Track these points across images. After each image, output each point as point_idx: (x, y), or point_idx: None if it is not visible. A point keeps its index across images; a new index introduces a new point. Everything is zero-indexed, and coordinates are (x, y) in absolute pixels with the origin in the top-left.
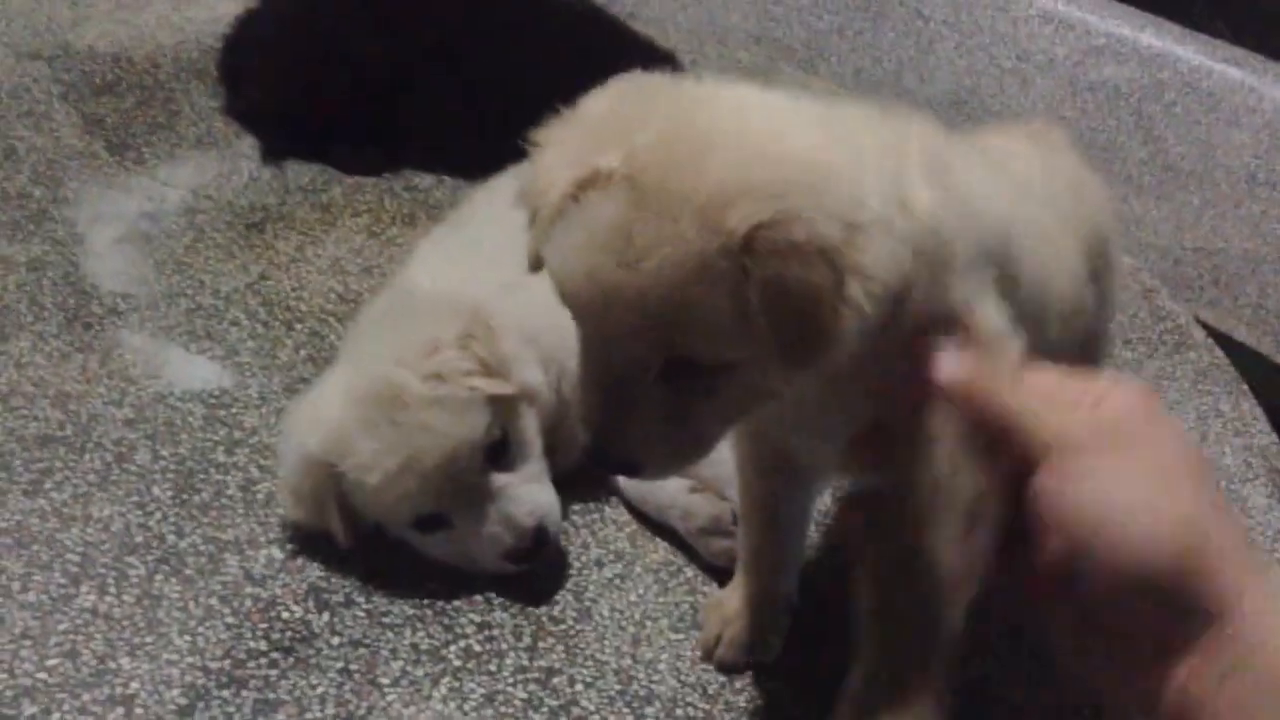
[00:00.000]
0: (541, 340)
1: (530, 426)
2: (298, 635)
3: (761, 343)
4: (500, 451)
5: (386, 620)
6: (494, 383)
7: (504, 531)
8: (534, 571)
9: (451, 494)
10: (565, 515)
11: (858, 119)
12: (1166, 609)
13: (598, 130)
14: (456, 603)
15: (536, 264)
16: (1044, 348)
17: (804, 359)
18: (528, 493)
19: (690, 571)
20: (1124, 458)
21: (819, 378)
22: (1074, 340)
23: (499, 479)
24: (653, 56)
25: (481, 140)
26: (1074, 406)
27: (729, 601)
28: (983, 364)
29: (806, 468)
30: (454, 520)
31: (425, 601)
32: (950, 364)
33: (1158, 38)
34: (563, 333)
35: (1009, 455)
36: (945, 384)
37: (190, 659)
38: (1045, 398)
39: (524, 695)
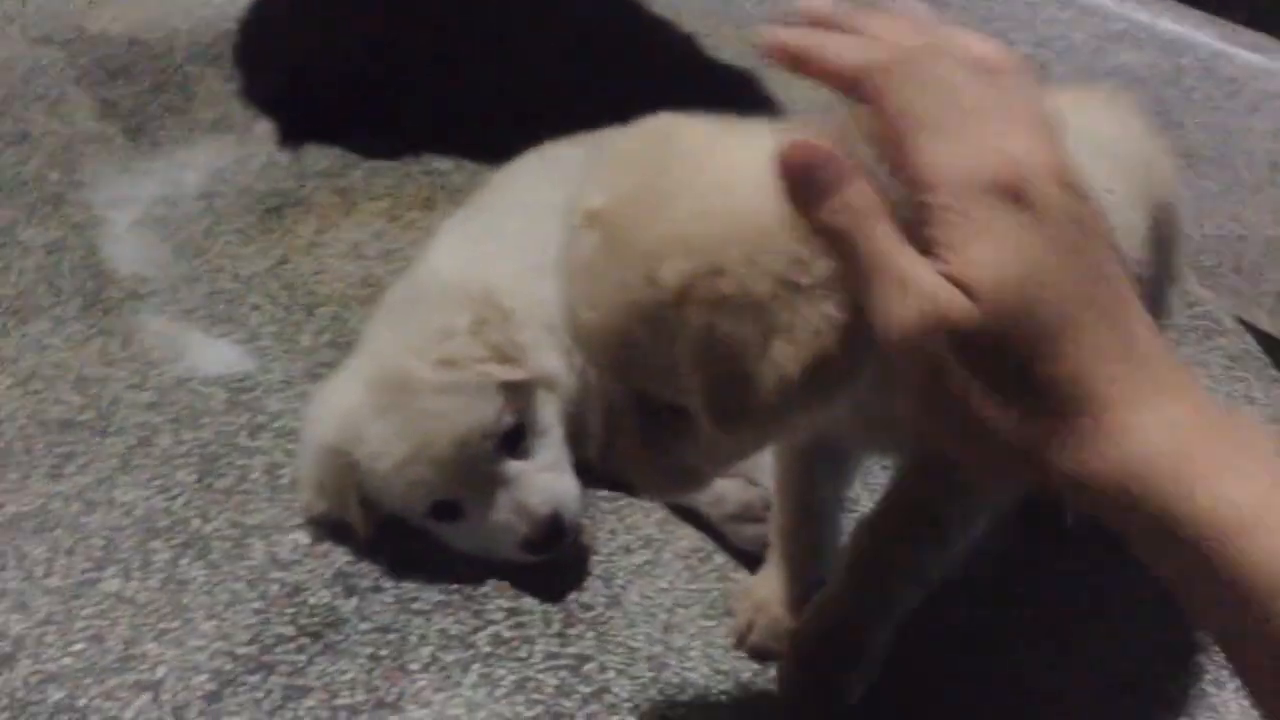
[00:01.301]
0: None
1: (549, 413)
2: (325, 620)
3: (696, 395)
4: (516, 439)
5: (415, 606)
6: (507, 369)
7: (518, 520)
8: (561, 559)
9: (464, 481)
10: (592, 502)
11: None
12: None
13: (610, 168)
14: (485, 588)
15: None
16: None
17: (728, 415)
18: (543, 481)
19: (720, 558)
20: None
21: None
22: None
23: (514, 466)
24: (671, 39)
25: (501, 123)
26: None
27: (760, 588)
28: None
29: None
30: (467, 508)
31: (454, 587)
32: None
33: (1176, 23)
34: None
35: None
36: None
37: (217, 644)
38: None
39: (555, 682)
